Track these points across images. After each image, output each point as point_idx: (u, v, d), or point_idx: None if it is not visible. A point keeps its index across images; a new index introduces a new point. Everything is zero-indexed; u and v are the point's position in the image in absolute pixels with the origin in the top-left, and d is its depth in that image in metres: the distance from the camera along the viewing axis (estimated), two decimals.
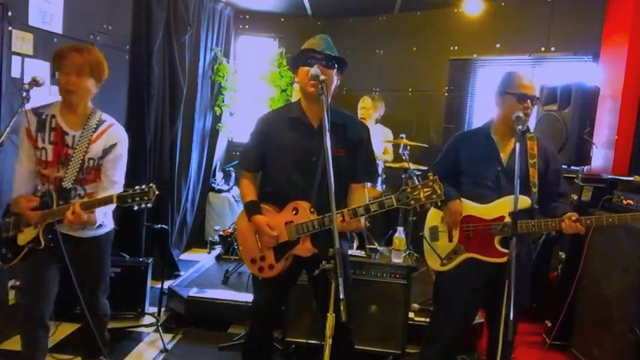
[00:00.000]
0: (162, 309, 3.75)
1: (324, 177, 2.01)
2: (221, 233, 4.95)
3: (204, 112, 5.59)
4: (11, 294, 3.15)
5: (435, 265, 2.60)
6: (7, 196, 2.45)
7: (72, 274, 2.31)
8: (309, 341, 3.07)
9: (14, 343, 2.61)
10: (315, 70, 2.18)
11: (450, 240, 2.54)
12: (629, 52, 3.92)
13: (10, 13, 2.98)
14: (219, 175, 6.14)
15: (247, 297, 3.42)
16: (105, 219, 2.43)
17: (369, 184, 2.99)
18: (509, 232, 2.29)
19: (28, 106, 2.27)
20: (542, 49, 4.72)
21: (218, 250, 4.89)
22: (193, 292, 3.77)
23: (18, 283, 2.91)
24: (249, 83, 6.15)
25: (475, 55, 5.23)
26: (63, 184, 2.32)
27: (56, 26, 3.35)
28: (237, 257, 4.40)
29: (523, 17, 4.87)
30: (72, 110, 2.36)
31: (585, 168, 3.80)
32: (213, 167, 5.97)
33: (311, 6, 5.78)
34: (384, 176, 4.58)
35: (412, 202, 2.07)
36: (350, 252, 3.29)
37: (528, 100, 2.41)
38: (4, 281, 3.13)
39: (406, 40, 5.68)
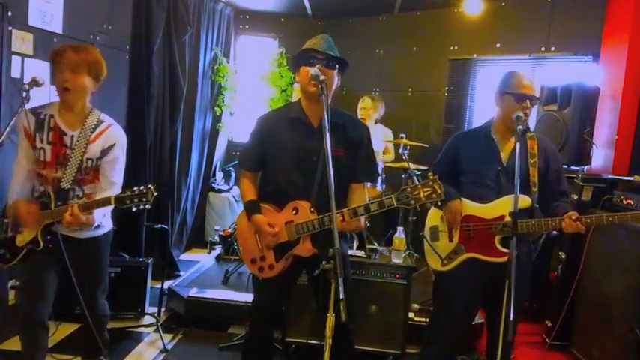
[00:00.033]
0: (163, 309, 3.75)
1: (324, 177, 2.01)
2: (221, 233, 4.95)
3: (204, 112, 5.59)
4: (11, 294, 3.15)
5: (435, 265, 2.61)
6: (7, 197, 2.44)
7: (72, 274, 2.31)
8: (309, 341, 3.07)
9: (14, 343, 2.61)
10: (315, 70, 2.18)
11: (451, 240, 2.54)
12: (629, 52, 3.92)
13: (10, 13, 2.98)
14: (219, 175, 6.14)
15: (247, 297, 3.42)
16: (103, 220, 2.43)
17: (369, 184, 2.99)
18: (509, 231, 2.29)
19: (27, 106, 2.26)
20: (542, 49, 4.72)
21: (218, 250, 4.89)
22: (193, 292, 3.77)
23: (18, 283, 2.91)
24: (249, 83, 6.15)
25: (475, 55, 5.23)
26: (61, 184, 2.32)
27: (56, 26, 3.35)
28: (237, 257, 4.39)
29: (523, 17, 4.87)
30: (70, 110, 2.35)
31: (585, 168, 3.80)
32: (213, 167, 5.97)
33: (311, 6, 5.78)
34: (384, 176, 4.57)
35: (412, 201, 2.07)
36: (350, 252, 3.29)
37: (527, 100, 2.41)
38: (4, 281, 3.13)
39: (406, 40, 5.68)
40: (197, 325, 3.69)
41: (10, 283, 3.13)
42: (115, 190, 2.36)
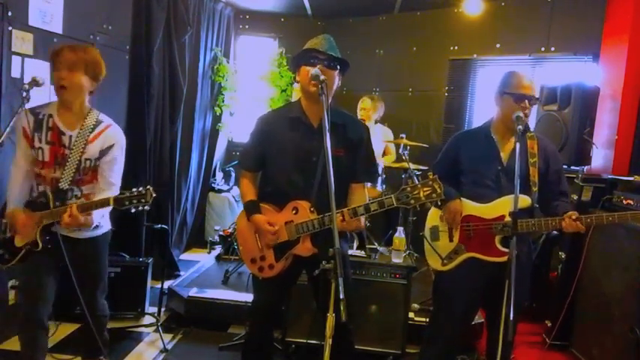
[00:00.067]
0: (163, 309, 3.75)
1: (324, 177, 2.01)
2: (221, 233, 4.94)
3: (204, 112, 5.59)
4: (11, 294, 3.15)
5: (435, 265, 2.61)
6: (5, 196, 2.44)
7: (72, 274, 2.31)
8: (309, 341, 3.07)
9: (14, 343, 2.61)
10: (315, 70, 2.18)
11: (451, 240, 2.54)
12: (629, 52, 3.92)
13: (10, 13, 2.98)
14: (219, 175, 6.14)
15: (247, 297, 3.42)
16: (102, 220, 2.43)
17: (369, 184, 2.99)
18: (509, 231, 2.29)
19: (27, 106, 2.26)
20: (542, 49, 4.72)
21: (218, 250, 4.89)
22: (193, 292, 3.76)
23: (18, 283, 2.91)
24: (249, 83, 6.15)
25: (475, 55, 5.23)
26: (60, 184, 2.31)
27: (56, 26, 3.35)
28: (237, 257, 4.39)
29: (523, 17, 4.87)
30: (68, 109, 2.35)
31: (585, 168, 3.80)
32: (213, 167, 5.97)
33: (311, 6, 5.78)
34: (384, 176, 4.57)
35: (412, 201, 2.07)
36: (350, 252, 3.29)
37: (526, 101, 2.40)
38: (4, 281, 3.13)
39: (406, 40, 5.68)
40: (197, 325, 3.68)
41: (10, 283, 3.13)
42: (114, 190, 2.35)
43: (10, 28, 3.00)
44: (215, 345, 3.41)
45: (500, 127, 2.52)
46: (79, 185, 2.37)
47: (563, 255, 3.60)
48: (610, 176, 3.59)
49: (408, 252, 3.88)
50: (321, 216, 2.22)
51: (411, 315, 3.35)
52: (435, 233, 2.61)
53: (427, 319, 3.01)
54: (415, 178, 4.06)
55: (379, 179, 4.31)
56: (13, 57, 3.05)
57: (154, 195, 2.16)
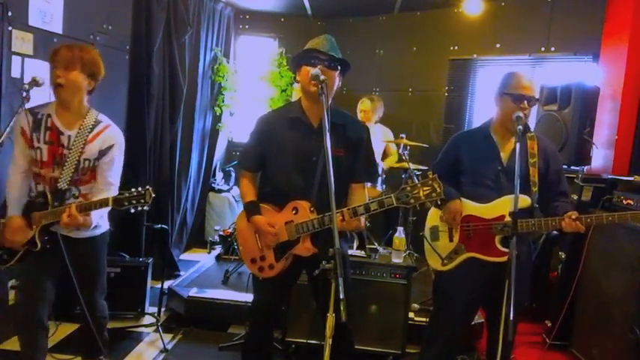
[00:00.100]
0: (163, 309, 3.75)
1: (324, 177, 2.01)
2: (221, 233, 4.94)
3: (204, 112, 5.59)
4: (11, 294, 3.14)
5: (435, 265, 2.61)
6: (4, 194, 2.44)
7: (72, 274, 2.30)
8: (309, 341, 3.07)
9: (14, 343, 2.61)
10: (316, 70, 2.18)
11: (451, 240, 2.54)
12: (629, 52, 3.91)
13: (10, 13, 2.98)
14: (219, 175, 6.14)
15: (247, 297, 3.42)
16: (100, 220, 2.42)
17: (369, 184, 2.99)
18: (509, 231, 2.29)
19: (27, 106, 2.26)
20: (542, 49, 4.72)
21: (218, 250, 4.89)
22: (193, 292, 3.76)
23: (17, 283, 2.91)
24: (249, 83, 6.15)
25: (475, 55, 5.23)
26: (58, 184, 2.31)
27: (56, 26, 3.35)
28: (237, 257, 4.39)
29: (523, 17, 4.87)
30: (67, 108, 2.34)
31: (585, 168, 3.80)
32: (213, 167, 5.97)
33: (311, 6, 5.78)
34: (384, 176, 4.57)
35: (412, 200, 2.07)
36: (350, 252, 3.29)
37: (525, 101, 2.40)
38: (4, 281, 3.13)
39: (406, 40, 5.68)
40: (197, 325, 3.68)
41: (10, 283, 3.13)
42: (112, 190, 2.35)
43: (10, 28, 3.00)
44: (215, 345, 3.41)
45: (500, 128, 2.52)
46: (77, 185, 2.37)
47: (563, 255, 3.60)
48: (610, 176, 3.58)
49: (408, 252, 3.88)
50: (321, 216, 2.22)
51: (411, 315, 3.35)
52: (434, 233, 2.61)
53: (427, 319, 3.02)
54: (415, 178, 4.06)
55: (379, 179, 4.31)
56: (13, 57, 3.05)
57: (154, 195, 2.15)
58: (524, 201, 2.34)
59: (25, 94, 2.21)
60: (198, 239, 5.72)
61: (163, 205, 4.76)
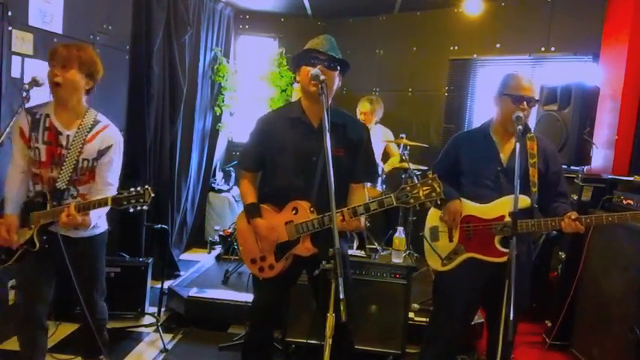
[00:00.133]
0: (162, 309, 3.75)
1: (324, 177, 2.01)
2: (221, 233, 4.94)
3: (204, 112, 5.59)
4: (11, 294, 3.14)
5: (435, 265, 2.61)
6: (2, 194, 2.44)
7: (72, 274, 2.30)
8: (309, 341, 3.07)
9: (14, 343, 2.61)
10: (316, 70, 2.18)
11: (451, 240, 2.54)
12: (629, 52, 3.91)
13: (10, 13, 2.98)
14: (219, 175, 6.14)
15: (247, 297, 3.43)
16: (99, 220, 2.42)
17: (369, 184, 2.99)
18: (509, 231, 2.29)
19: (27, 106, 2.26)
20: (542, 49, 4.72)
21: (218, 250, 4.89)
22: (193, 292, 3.76)
23: (16, 282, 2.91)
24: (249, 83, 6.14)
25: (475, 55, 5.22)
26: (57, 184, 2.30)
27: (56, 26, 3.35)
28: (237, 257, 4.39)
29: (523, 17, 4.87)
30: (65, 108, 2.33)
31: (585, 168, 3.80)
32: (213, 167, 5.97)
33: (311, 6, 5.77)
34: (384, 176, 4.57)
35: (412, 200, 2.07)
36: (350, 252, 3.29)
37: (525, 102, 2.40)
38: (4, 281, 3.13)
39: (406, 40, 5.68)
40: (197, 325, 3.68)
41: (10, 283, 3.13)
42: (111, 191, 2.34)
43: (10, 28, 3.00)
44: (215, 345, 3.41)
45: (500, 128, 2.52)
46: (76, 185, 2.36)
47: (563, 255, 3.60)
48: (610, 176, 3.59)
49: (408, 252, 3.88)
50: (321, 216, 2.22)
51: (411, 315, 3.35)
52: (434, 233, 2.61)
53: (427, 319, 3.02)
54: (415, 178, 4.05)
55: (379, 179, 4.31)
56: (13, 57, 3.05)
57: (153, 195, 2.14)
58: (524, 201, 2.34)
59: (25, 94, 2.21)
60: (198, 239, 5.72)
61: (163, 205, 4.76)
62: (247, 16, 6.24)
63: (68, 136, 2.33)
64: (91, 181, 2.39)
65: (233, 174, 6.17)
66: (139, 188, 2.15)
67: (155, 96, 4.39)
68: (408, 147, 4.31)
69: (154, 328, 3.62)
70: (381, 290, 3.25)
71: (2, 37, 2.95)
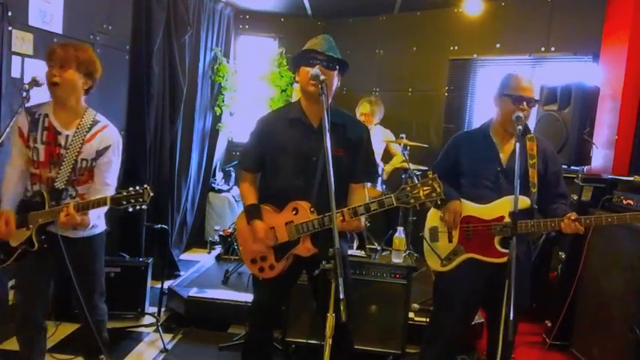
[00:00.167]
0: (162, 309, 3.75)
1: (324, 177, 2.01)
2: (221, 233, 4.94)
3: (204, 112, 5.59)
4: (11, 294, 3.14)
5: (435, 266, 2.61)
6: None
7: (72, 273, 2.30)
8: (309, 341, 3.07)
9: (14, 343, 2.60)
10: (315, 70, 2.18)
11: (450, 240, 2.54)
12: (629, 52, 3.91)
13: (10, 13, 2.98)
14: (219, 175, 6.14)
15: (247, 297, 3.42)
16: (98, 220, 2.41)
17: (369, 184, 2.99)
18: (509, 232, 2.29)
19: (26, 106, 2.26)
20: (542, 49, 4.72)
21: (218, 250, 4.89)
22: (193, 292, 3.77)
23: (15, 282, 2.91)
24: (249, 83, 6.15)
25: (475, 55, 5.22)
26: (55, 184, 2.30)
27: (56, 26, 3.35)
28: (237, 257, 4.39)
29: (523, 17, 4.87)
30: (64, 108, 2.33)
31: (585, 168, 3.80)
32: (213, 167, 5.97)
33: (311, 6, 5.77)
34: (384, 178, 4.57)
35: (412, 200, 2.07)
36: (350, 252, 3.29)
37: (524, 102, 2.40)
38: (4, 281, 3.13)
39: (406, 40, 5.68)
40: (197, 325, 3.69)
41: (10, 283, 3.13)
42: (109, 191, 2.33)
43: (10, 28, 3.00)
44: (215, 345, 3.41)
45: (499, 129, 2.52)
46: (74, 185, 2.36)
47: (563, 255, 3.60)
48: (610, 176, 3.58)
49: (408, 252, 3.88)
50: (321, 216, 2.22)
51: (411, 315, 3.35)
52: (434, 234, 2.61)
53: (427, 319, 3.02)
54: (415, 178, 4.05)
55: (379, 179, 4.31)
56: (13, 57, 3.05)
57: (152, 194, 2.14)
58: (524, 202, 2.34)
59: (25, 94, 2.21)
60: (198, 239, 5.72)
61: (163, 205, 4.76)
62: (247, 16, 6.24)
63: (67, 136, 2.33)
64: (90, 181, 2.38)
65: (233, 174, 6.17)
66: (137, 187, 2.14)
67: (155, 96, 4.39)
68: (408, 147, 4.31)
69: (154, 328, 3.62)
70: (381, 290, 3.25)
71: (2, 37, 2.95)
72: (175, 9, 4.61)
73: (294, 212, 2.31)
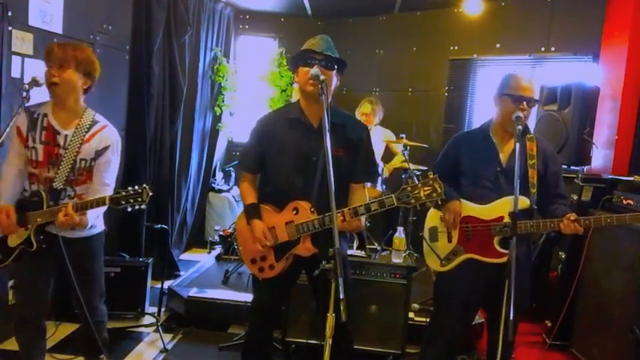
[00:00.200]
0: (162, 309, 3.75)
1: (324, 177, 2.01)
2: (221, 233, 4.94)
3: (204, 112, 5.59)
4: (11, 294, 3.14)
5: (434, 266, 2.61)
6: None
7: (71, 273, 2.29)
8: (309, 341, 3.07)
9: (14, 343, 2.60)
10: (315, 70, 2.18)
11: (450, 241, 2.54)
12: (629, 52, 3.91)
13: (10, 13, 2.98)
14: (219, 175, 6.14)
15: (247, 297, 3.42)
16: (96, 221, 2.41)
17: (369, 184, 2.99)
18: (508, 232, 2.29)
19: (26, 105, 2.25)
20: (542, 49, 4.72)
21: (218, 250, 4.89)
22: (193, 292, 3.77)
23: (14, 282, 2.91)
24: (249, 83, 6.15)
25: (475, 55, 5.23)
26: (54, 184, 2.29)
27: (56, 26, 3.35)
28: (237, 257, 4.39)
29: (523, 17, 4.87)
30: (63, 107, 2.32)
31: (585, 168, 3.80)
32: (213, 167, 5.97)
33: (311, 6, 5.78)
34: (385, 176, 4.57)
35: (412, 200, 2.07)
36: (350, 252, 3.29)
37: (524, 102, 2.40)
38: (4, 281, 3.13)
39: (406, 40, 5.68)
40: (197, 325, 3.69)
41: (10, 283, 3.13)
42: (108, 191, 2.32)
43: (10, 28, 3.00)
44: (215, 345, 3.41)
45: (499, 129, 2.52)
46: (73, 185, 2.35)
47: (563, 255, 3.60)
48: (610, 176, 3.58)
49: (408, 252, 3.88)
50: (321, 216, 2.22)
51: (411, 315, 3.35)
52: (433, 234, 2.61)
53: (427, 319, 3.02)
54: (415, 178, 4.04)
55: (379, 179, 4.31)
56: (13, 57, 3.05)
57: (151, 194, 2.13)
58: (523, 202, 2.34)
59: (25, 94, 2.20)
60: (198, 239, 5.72)
61: (163, 205, 4.76)
62: (247, 16, 6.24)
63: (66, 135, 2.32)
64: (89, 181, 2.37)
65: (233, 174, 6.17)
66: (136, 187, 2.13)
67: (155, 96, 4.39)
68: (408, 147, 4.31)
69: (154, 328, 3.62)
70: (381, 290, 3.25)
71: (2, 37, 2.95)
72: (175, 9, 4.61)
73: (294, 212, 2.31)
